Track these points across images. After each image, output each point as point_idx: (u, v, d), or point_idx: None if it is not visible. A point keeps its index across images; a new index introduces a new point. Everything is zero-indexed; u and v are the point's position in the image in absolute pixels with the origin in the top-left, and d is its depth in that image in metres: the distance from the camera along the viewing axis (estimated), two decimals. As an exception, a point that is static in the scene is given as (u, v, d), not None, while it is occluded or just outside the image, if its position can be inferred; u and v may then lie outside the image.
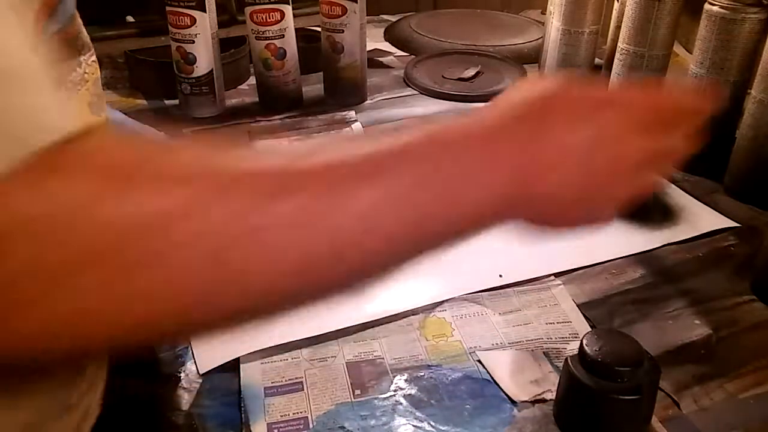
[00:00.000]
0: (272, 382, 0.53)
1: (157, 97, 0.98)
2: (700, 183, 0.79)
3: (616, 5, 0.93)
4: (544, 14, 1.10)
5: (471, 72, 1.06)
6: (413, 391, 0.53)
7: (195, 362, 0.55)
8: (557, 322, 0.59)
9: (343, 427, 0.50)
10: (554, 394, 0.51)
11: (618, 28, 0.87)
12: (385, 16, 1.30)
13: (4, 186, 0.24)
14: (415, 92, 1.03)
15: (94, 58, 0.50)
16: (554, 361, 0.55)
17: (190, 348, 0.56)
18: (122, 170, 0.26)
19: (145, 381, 0.56)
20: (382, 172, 0.30)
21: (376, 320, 0.59)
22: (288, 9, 0.91)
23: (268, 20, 0.90)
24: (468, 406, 0.51)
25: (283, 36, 0.91)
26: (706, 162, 0.80)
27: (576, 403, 0.48)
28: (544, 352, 0.56)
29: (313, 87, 1.00)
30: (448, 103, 0.99)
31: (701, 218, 0.73)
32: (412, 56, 1.14)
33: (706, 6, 0.75)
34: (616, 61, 0.86)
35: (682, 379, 0.53)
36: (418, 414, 0.51)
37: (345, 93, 0.98)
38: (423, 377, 0.54)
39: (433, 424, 0.50)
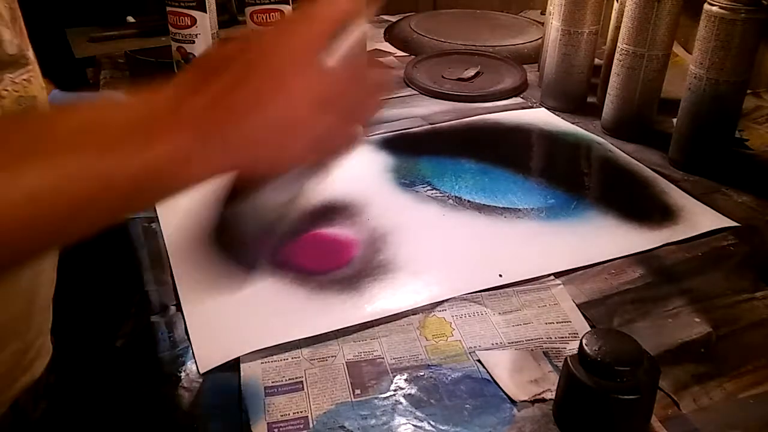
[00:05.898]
0: (272, 382, 0.53)
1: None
2: (700, 183, 0.80)
3: (616, 5, 0.93)
4: (544, 14, 1.10)
5: (471, 72, 1.06)
6: (413, 391, 0.53)
7: (195, 362, 0.55)
8: (557, 322, 0.59)
9: (343, 427, 0.50)
10: (554, 393, 0.51)
11: (617, 28, 0.87)
12: (385, 17, 1.30)
13: None
14: (415, 92, 1.03)
15: (29, 76, 0.49)
16: (554, 360, 0.55)
17: (190, 347, 0.56)
18: None
19: (145, 380, 0.56)
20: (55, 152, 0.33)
21: (376, 320, 0.59)
22: (288, 9, 0.91)
23: (269, 20, 0.90)
24: (468, 406, 0.51)
25: (283, 36, 0.91)
26: (706, 161, 0.81)
27: (576, 402, 0.48)
28: (543, 352, 0.56)
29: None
30: (448, 103, 0.99)
31: (700, 218, 0.73)
32: (412, 56, 1.14)
33: (706, 6, 0.75)
34: (615, 61, 0.86)
35: (681, 379, 0.53)
36: (418, 413, 0.51)
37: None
38: (423, 377, 0.54)
39: (433, 423, 0.50)
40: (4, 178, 0.31)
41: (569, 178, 0.81)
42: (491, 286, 0.63)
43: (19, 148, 0.33)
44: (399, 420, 0.50)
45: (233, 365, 0.55)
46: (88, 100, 0.36)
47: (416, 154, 0.85)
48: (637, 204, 0.76)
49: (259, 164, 0.38)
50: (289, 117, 0.37)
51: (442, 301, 0.61)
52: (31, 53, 0.50)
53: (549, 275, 0.64)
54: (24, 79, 0.49)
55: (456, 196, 0.77)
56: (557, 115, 0.95)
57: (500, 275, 0.64)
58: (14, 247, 0.33)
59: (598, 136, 0.90)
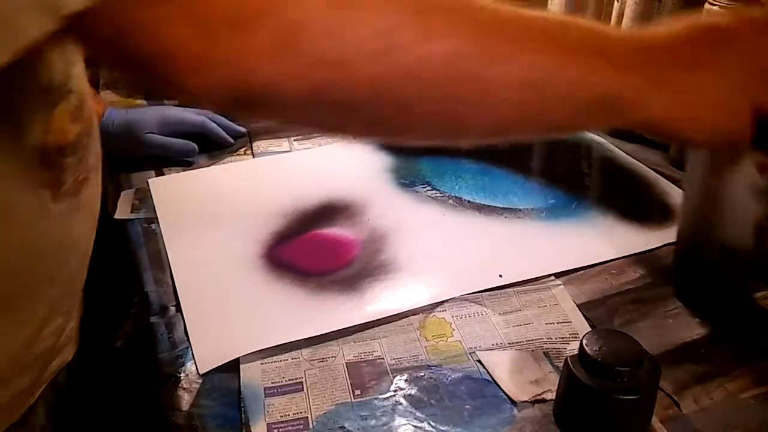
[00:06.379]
0: (272, 382, 0.53)
1: (157, 98, 0.98)
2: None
3: (616, 5, 0.93)
4: (544, 14, 1.10)
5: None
6: (413, 392, 0.53)
7: (195, 362, 0.55)
8: (557, 322, 0.59)
9: (343, 428, 0.50)
10: (554, 394, 0.51)
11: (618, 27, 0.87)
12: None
13: None
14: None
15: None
16: (554, 361, 0.55)
17: (190, 348, 0.56)
18: None
19: (145, 381, 0.56)
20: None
21: (376, 320, 0.59)
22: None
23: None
24: (468, 407, 0.51)
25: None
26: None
27: (576, 403, 0.48)
28: (544, 352, 0.56)
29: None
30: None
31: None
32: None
33: (706, 6, 0.75)
34: (615, 61, 0.86)
35: (682, 379, 0.53)
36: (418, 414, 0.51)
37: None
38: (423, 377, 0.54)
39: (433, 424, 0.50)
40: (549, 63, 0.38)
41: (569, 178, 0.81)
42: (491, 286, 0.63)
43: (568, 44, 0.39)
44: (399, 420, 0.50)
45: (233, 366, 0.55)
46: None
47: (416, 154, 0.85)
48: (637, 204, 0.76)
49: (699, 122, 0.43)
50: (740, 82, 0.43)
51: (442, 302, 0.61)
52: (74, 83, 0.48)
53: (549, 275, 0.64)
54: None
55: (456, 196, 0.77)
56: (557, 115, 0.95)
57: (500, 275, 0.64)
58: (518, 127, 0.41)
59: (597, 136, 0.89)
